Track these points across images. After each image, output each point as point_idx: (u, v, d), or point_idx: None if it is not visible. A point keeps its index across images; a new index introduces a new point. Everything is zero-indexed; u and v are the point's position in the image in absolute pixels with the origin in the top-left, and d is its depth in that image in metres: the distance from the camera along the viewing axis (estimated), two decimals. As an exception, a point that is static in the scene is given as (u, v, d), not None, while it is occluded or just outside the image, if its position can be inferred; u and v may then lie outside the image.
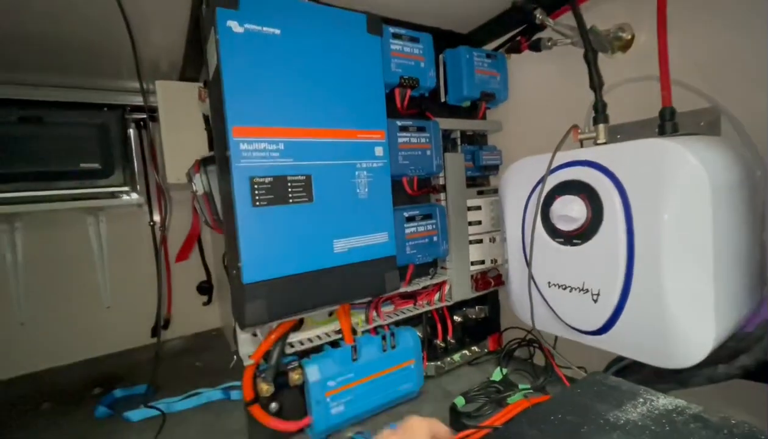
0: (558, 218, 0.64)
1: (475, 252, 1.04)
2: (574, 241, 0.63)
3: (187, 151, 1.00)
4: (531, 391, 0.90)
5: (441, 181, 0.99)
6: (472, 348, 1.12)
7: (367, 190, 0.75)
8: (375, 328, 0.91)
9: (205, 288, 1.61)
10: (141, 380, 1.15)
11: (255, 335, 0.81)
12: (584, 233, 0.61)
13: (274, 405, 0.80)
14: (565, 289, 0.65)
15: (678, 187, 0.52)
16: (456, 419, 0.83)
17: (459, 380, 1.02)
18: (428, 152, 0.93)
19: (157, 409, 0.98)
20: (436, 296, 1.02)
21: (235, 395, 1.04)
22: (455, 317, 1.09)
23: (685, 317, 0.54)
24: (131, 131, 1.41)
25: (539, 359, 1.04)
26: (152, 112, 1.35)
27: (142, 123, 1.43)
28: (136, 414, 0.98)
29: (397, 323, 0.95)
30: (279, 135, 0.65)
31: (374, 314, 0.92)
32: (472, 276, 1.05)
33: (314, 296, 0.70)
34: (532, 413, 0.54)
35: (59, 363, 1.37)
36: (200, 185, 0.82)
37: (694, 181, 0.52)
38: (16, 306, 1.31)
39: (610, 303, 0.59)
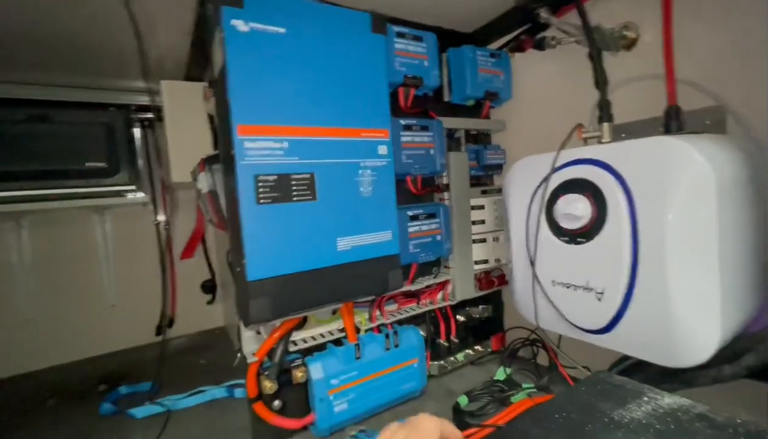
0: (562, 217, 0.64)
1: (478, 251, 1.04)
2: (579, 239, 0.62)
3: (192, 151, 1.01)
4: (535, 390, 0.90)
5: (444, 181, 0.99)
6: (476, 348, 1.12)
7: (370, 188, 0.75)
8: (378, 326, 0.91)
9: (209, 287, 1.62)
10: (145, 377, 1.16)
11: (259, 332, 0.81)
12: (588, 232, 0.61)
13: (277, 403, 0.80)
14: (569, 287, 0.65)
15: (684, 185, 0.52)
16: (459, 418, 0.82)
17: (462, 380, 1.02)
18: (432, 151, 0.93)
19: (163, 405, 0.99)
20: (440, 295, 1.02)
21: (238, 392, 1.04)
22: (458, 317, 1.09)
23: (691, 316, 0.54)
24: (136, 131, 1.42)
25: (543, 359, 1.03)
26: (157, 112, 1.36)
27: (147, 122, 1.44)
28: (140, 411, 0.98)
29: (401, 322, 0.95)
30: (283, 133, 0.65)
31: (377, 312, 0.92)
32: (475, 275, 1.05)
33: (318, 294, 0.70)
34: (536, 412, 0.54)
35: (64, 360, 1.38)
36: (205, 184, 0.82)
37: (700, 179, 0.51)
38: (22, 304, 1.32)
39: (615, 302, 0.59)
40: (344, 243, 0.72)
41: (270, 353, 0.79)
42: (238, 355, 0.86)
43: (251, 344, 0.80)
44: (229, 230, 0.73)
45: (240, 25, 0.61)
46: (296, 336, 0.83)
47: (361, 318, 0.90)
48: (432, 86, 0.94)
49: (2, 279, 1.28)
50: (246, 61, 0.62)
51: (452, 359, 1.07)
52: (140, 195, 1.39)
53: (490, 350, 1.15)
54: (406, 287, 0.94)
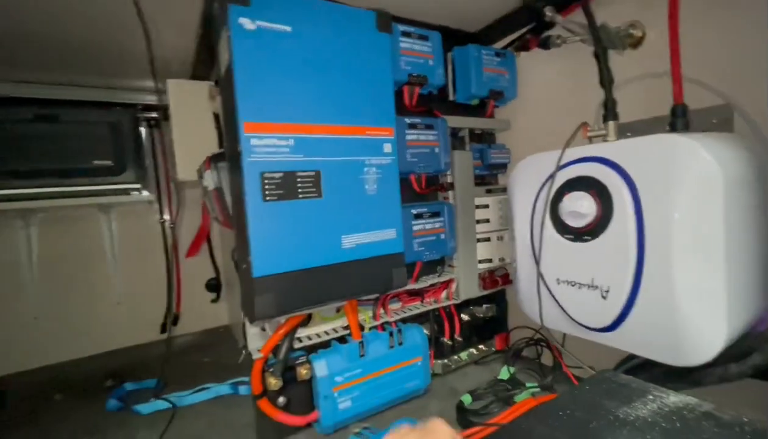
0: (567, 214, 0.64)
1: (482, 250, 1.04)
2: (584, 237, 0.62)
3: (198, 149, 1.01)
4: (539, 390, 0.90)
5: (449, 179, 0.99)
6: (480, 347, 1.12)
7: (375, 186, 0.75)
8: (382, 325, 0.92)
9: (214, 285, 1.63)
10: (150, 374, 1.16)
11: (264, 329, 0.81)
12: (594, 229, 0.61)
13: (282, 399, 0.80)
14: (574, 285, 0.65)
15: (690, 184, 0.52)
16: (463, 417, 0.82)
17: (466, 379, 1.02)
18: (436, 150, 0.93)
19: (169, 401, 1.00)
20: (444, 293, 1.02)
21: (243, 390, 1.05)
22: (462, 316, 1.09)
23: (697, 314, 0.53)
24: (142, 130, 1.43)
25: (547, 359, 1.03)
26: (163, 111, 1.37)
27: (153, 122, 1.45)
28: (146, 407, 0.99)
29: (404, 321, 0.95)
30: (289, 131, 0.66)
31: (381, 310, 0.92)
32: (479, 274, 1.05)
33: (322, 291, 0.70)
34: (541, 410, 0.54)
35: (71, 357, 1.39)
36: (211, 181, 0.83)
37: (707, 177, 0.51)
38: (30, 300, 1.33)
39: (620, 300, 0.59)
40: (349, 241, 0.72)
41: (275, 350, 0.79)
42: (243, 352, 0.86)
43: (256, 340, 0.80)
44: (235, 227, 0.74)
45: (247, 23, 0.61)
46: (301, 333, 0.84)
47: (365, 316, 0.90)
48: (437, 85, 0.94)
49: (11, 277, 1.29)
50: (252, 58, 0.62)
51: (456, 357, 1.07)
52: (146, 194, 1.40)
53: (493, 349, 1.15)
54: (410, 286, 0.94)
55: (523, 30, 1.04)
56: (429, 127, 0.92)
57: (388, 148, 0.77)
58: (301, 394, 0.82)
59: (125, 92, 1.38)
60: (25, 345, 1.32)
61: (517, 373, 1.00)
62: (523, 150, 1.08)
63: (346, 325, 0.88)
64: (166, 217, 1.50)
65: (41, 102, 1.25)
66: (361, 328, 0.88)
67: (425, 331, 0.97)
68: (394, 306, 0.96)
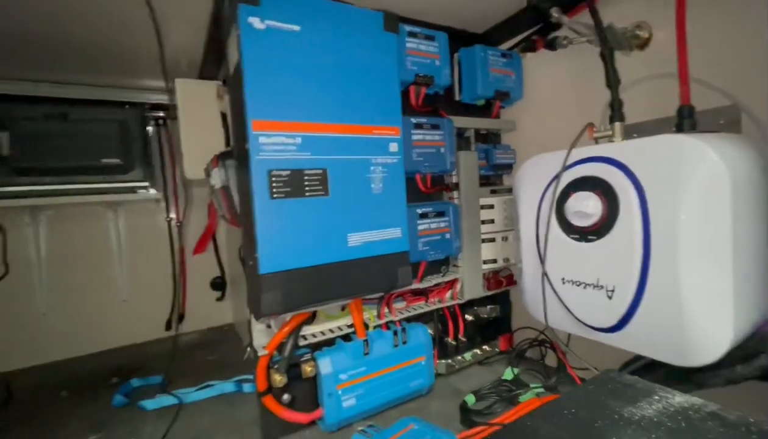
0: (573, 214, 0.64)
1: (487, 251, 1.04)
2: (589, 237, 0.62)
3: (206, 148, 1.02)
4: (543, 390, 0.90)
5: (454, 179, 1.00)
6: (483, 347, 1.12)
7: (381, 185, 0.76)
8: (386, 323, 0.92)
9: (219, 284, 1.64)
10: (155, 371, 1.18)
11: (269, 326, 0.82)
12: (599, 229, 0.61)
13: (286, 396, 0.81)
14: (579, 285, 0.65)
15: (697, 184, 0.52)
16: (466, 417, 0.82)
17: (469, 379, 1.02)
18: (442, 150, 0.93)
19: (176, 397, 1.00)
20: (448, 293, 1.02)
21: (247, 387, 1.05)
22: (467, 316, 1.09)
23: (702, 315, 0.53)
24: (150, 128, 1.45)
25: (551, 360, 1.03)
26: (171, 110, 1.39)
27: (161, 121, 1.46)
28: (151, 403, 1.00)
29: (409, 320, 0.96)
30: (297, 129, 0.66)
31: (386, 309, 0.92)
32: (484, 275, 1.05)
33: (328, 289, 0.71)
34: (545, 409, 0.54)
35: (77, 353, 1.40)
36: (218, 180, 0.83)
37: (715, 178, 0.51)
38: (38, 297, 1.35)
39: (625, 300, 0.58)
40: (355, 239, 0.72)
41: (280, 347, 0.79)
42: (248, 349, 0.87)
43: (262, 337, 0.81)
44: (242, 224, 0.74)
45: (256, 22, 0.62)
46: (306, 331, 0.84)
47: (370, 315, 0.90)
48: (443, 85, 0.95)
49: (19, 273, 1.31)
50: (261, 57, 0.63)
51: (460, 358, 1.07)
52: (153, 192, 1.41)
53: (497, 350, 1.15)
54: (415, 285, 0.94)
55: (530, 31, 1.04)
56: (435, 127, 0.92)
57: (394, 147, 0.77)
58: (305, 391, 0.83)
59: (133, 91, 1.40)
60: (32, 341, 1.34)
61: (521, 374, 1.00)
62: (529, 151, 1.08)
63: (350, 323, 0.88)
64: (173, 215, 1.52)
65: (51, 101, 1.26)
66: (366, 326, 0.88)
67: (429, 331, 0.97)
68: (399, 305, 0.96)
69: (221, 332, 1.61)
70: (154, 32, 0.90)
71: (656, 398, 0.51)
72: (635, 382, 0.55)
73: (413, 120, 0.89)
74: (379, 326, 0.91)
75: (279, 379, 0.77)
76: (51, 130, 1.21)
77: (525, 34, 1.06)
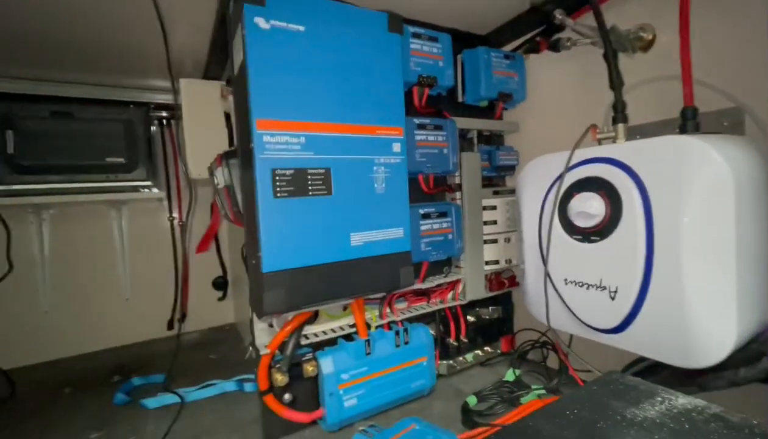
0: (576, 215, 0.64)
1: (489, 252, 1.04)
2: (592, 238, 0.62)
3: (209, 147, 1.03)
4: (545, 392, 0.89)
5: (457, 180, 1.00)
6: (485, 349, 1.12)
7: (384, 185, 0.76)
8: (388, 324, 0.92)
9: (221, 284, 1.64)
10: (157, 370, 1.18)
11: (271, 325, 0.82)
12: (602, 230, 0.61)
13: (288, 396, 0.81)
14: (581, 286, 0.64)
15: (701, 185, 0.52)
16: (468, 418, 0.82)
17: (471, 380, 1.02)
18: (445, 151, 0.93)
19: (178, 395, 1.01)
20: (450, 294, 1.02)
21: (248, 387, 1.05)
22: (468, 317, 1.09)
23: (706, 316, 0.53)
24: (154, 128, 1.45)
25: (553, 362, 1.03)
26: (174, 110, 1.40)
27: (165, 121, 1.47)
28: (152, 402, 1.00)
29: (410, 320, 0.96)
30: (300, 129, 0.67)
31: (388, 309, 0.92)
32: (486, 276, 1.05)
33: (330, 288, 0.71)
34: (548, 409, 0.54)
35: (79, 351, 1.41)
36: (221, 179, 0.84)
37: (718, 179, 0.51)
38: (41, 295, 1.35)
39: (628, 301, 0.58)
40: (357, 238, 0.73)
41: (282, 346, 0.80)
42: (249, 349, 0.87)
43: (264, 336, 0.81)
44: (246, 223, 0.75)
45: (261, 22, 0.63)
46: (307, 330, 0.84)
47: (372, 315, 0.90)
48: (446, 86, 0.95)
49: (22, 271, 1.31)
50: (266, 57, 0.63)
51: (461, 359, 1.07)
52: (156, 191, 1.42)
53: (499, 351, 1.14)
54: (417, 286, 0.94)
55: (533, 33, 1.04)
56: (438, 128, 0.92)
57: (397, 147, 0.78)
58: (306, 391, 0.83)
59: (138, 91, 1.41)
60: (34, 339, 1.35)
61: (522, 375, 1.00)
62: (532, 152, 1.08)
63: (352, 323, 0.88)
64: (175, 215, 1.52)
65: (57, 99, 1.27)
66: (368, 326, 0.88)
67: (431, 331, 0.97)
68: (401, 305, 0.96)
69: (223, 331, 1.62)
70: (160, 32, 0.90)
71: (659, 399, 0.51)
72: (638, 383, 0.55)
73: (416, 121, 0.89)
74: (381, 326, 0.91)
75: (280, 378, 0.77)
76: (56, 129, 1.22)
77: (528, 35, 1.06)
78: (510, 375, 0.98)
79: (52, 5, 0.85)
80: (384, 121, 0.76)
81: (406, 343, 0.88)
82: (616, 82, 0.71)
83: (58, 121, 1.23)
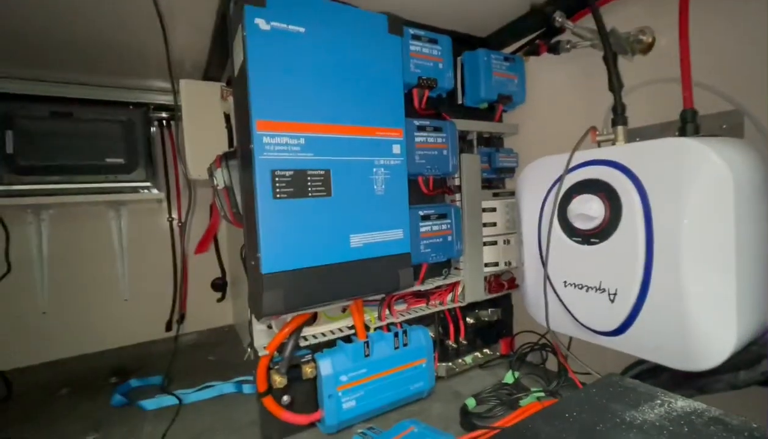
0: (576, 217, 0.64)
1: (489, 254, 1.04)
2: (592, 240, 0.62)
3: (209, 148, 1.03)
4: (544, 395, 0.89)
5: (456, 182, 1.00)
6: (484, 351, 1.11)
7: (383, 186, 0.76)
8: (387, 325, 0.92)
9: (219, 285, 1.64)
10: (155, 371, 1.17)
11: (270, 327, 0.82)
12: (602, 232, 0.61)
13: (286, 398, 0.81)
14: (581, 288, 0.64)
15: (700, 187, 0.52)
16: (467, 420, 0.82)
17: (470, 382, 1.02)
18: (444, 152, 0.93)
19: (177, 397, 1.00)
20: (449, 296, 1.02)
21: (247, 388, 1.05)
22: (468, 319, 1.08)
23: (706, 318, 0.53)
24: (154, 129, 1.45)
25: (552, 365, 1.02)
26: (173, 111, 1.40)
27: (164, 121, 1.47)
28: (150, 403, 1.00)
29: (410, 322, 0.96)
30: (300, 130, 0.67)
31: (387, 311, 0.92)
32: (485, 278, 1.05)
33: (330, 289, 0.71)
34: (547, 412, 0.54)
35: (77, 352, 1.40)
36: (221, 179, 0.84)
37: (718, 181, 0.51)
38: (39, 296, 1.35)
39: (628, 303, 0.58)
40: (357, 240, 0.73)
41: (280, 348, 0.79)
42: (248, 350, 0.87)
43: (262, 338, 0.81)
44: (245, 224, 0.74)
45: (262, 23, 0.63)
46: (306, 332, 0.84)
47: (371, 317, 0.90)
48: (446, 88, 0.95)
49: (20, 272, 1.31)
50: (266, 58, 0.64)
51: (460, 361, 1.07)
52: (155, 192, 1.42)
53: (498, 353, 1.14)
54: (416, 287, 0.94)
55: (533, 35, 1.04)
56: (437, 129, 0.92)
57: (397, 149, 0.78)
58: (305, 393, 0.82)
59: (138, 92, 1.41)
60: (32, 340, 1.34)
61: (521, 378, 0.99)
62: (531, 154, 1.08)
63: (351, 325, 0.88)
64: (175, 215, 1.52)
65: (57, 100, 1.27)
66: (367, 328, 0.88)
67: (430, 333, 0.97)
68: (400, 307, 0.96)
69: (221, 332, 1.61)
70: (160, 33, 0.90)
71: (658, 402, 0.51)
72: (637, 386, 0.55)
73: (416, 122, 0.89)
74: (380, 327, 0.90)
75: (279, 380, 0.77)
76: (56, 129, 1.22)
77: (528, 38, 1.06)
78: (509, 377, 0.98)
79: (52, 5, 0.86)
80: (384, 122, 0.76)
81: (405, 345, 0.88)
82: (615, 84, 0.71)
83: (58, 121, 1.22)
